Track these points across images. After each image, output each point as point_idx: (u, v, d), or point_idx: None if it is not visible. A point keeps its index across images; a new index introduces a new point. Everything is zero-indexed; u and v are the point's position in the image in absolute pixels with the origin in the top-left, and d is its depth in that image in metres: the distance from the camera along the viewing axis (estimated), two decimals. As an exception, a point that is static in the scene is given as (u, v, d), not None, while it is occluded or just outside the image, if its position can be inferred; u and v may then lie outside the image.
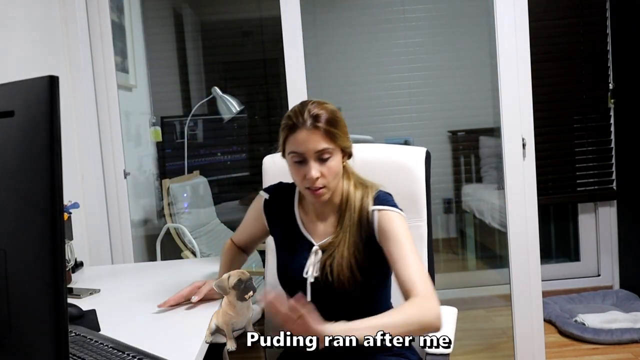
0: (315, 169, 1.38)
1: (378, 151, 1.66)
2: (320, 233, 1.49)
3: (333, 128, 1.39)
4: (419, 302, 1.28)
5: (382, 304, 1.52)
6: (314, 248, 1.47)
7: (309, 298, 1.44)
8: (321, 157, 1.38)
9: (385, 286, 1.52)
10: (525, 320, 2.35)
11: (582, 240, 3.78)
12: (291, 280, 1.49)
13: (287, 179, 1.62)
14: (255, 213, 1.61)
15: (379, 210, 1.43)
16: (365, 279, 1.42)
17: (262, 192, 1.61)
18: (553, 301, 3.32)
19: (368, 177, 1.54)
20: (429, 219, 1.68)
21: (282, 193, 1.58)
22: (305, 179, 1.40)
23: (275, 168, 1.80)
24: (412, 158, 1.71)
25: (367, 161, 1.58)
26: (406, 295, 1.32)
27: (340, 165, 1.43)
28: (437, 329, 1.27)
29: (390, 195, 1.48)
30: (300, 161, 1.40)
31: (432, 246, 1.70)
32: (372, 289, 1.47)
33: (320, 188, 1.40)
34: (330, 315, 1.47)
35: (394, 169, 1.62)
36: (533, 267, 2.34)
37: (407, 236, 1.40)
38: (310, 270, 1.45)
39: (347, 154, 1.47)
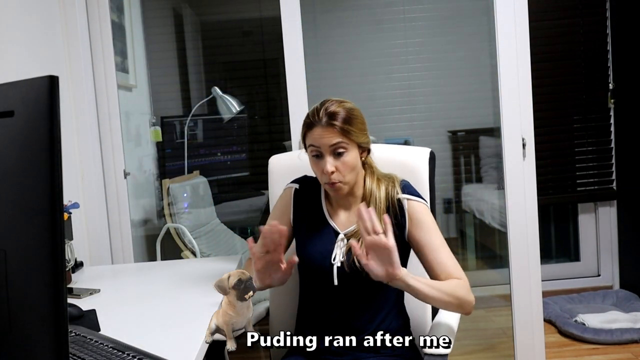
0: (330, 163, 1.45)
1: (382, 151, 1.67)
2: (344, 222, 1.55)
3: (348, 125, 1.45)
4: (464, 283, 1.43)
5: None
6: (340, 236, 1.52)
7: (335, 283, 1.48)
8: (336, 152, 1.45)
9: None
10: (525, 320, 2.35)
11: (582, 240, 3.78)
12: (316, 266, 1.52)
13: (293, 178, 1.63)
14: (281, 208, 1.63)
15: (408, 199, 1.50)
16: None
17: (290, 184, 1.64)
18: (553, 301, 3.32)
19: None
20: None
21: (309, 184, 1.62)
22: (323, 174, 1.46)
23: (281, 168, 1.80)
24: (417, 158, 1.72)
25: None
26: (443, 279, 1.44)
27: (357, 160, 1.49)
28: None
29: (412, 186, 1.55)
30: (317, 155, 1.47)
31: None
32: None
33: (336, 183, 1.46)
34: (355, 299, 1.49)
35: (398, 169, 1.63)
36: (533, 267, 2.34)
37: (437, 226, 1.52)
38: (338, 257, 1.49)
39: (365, 150, 1.53)
